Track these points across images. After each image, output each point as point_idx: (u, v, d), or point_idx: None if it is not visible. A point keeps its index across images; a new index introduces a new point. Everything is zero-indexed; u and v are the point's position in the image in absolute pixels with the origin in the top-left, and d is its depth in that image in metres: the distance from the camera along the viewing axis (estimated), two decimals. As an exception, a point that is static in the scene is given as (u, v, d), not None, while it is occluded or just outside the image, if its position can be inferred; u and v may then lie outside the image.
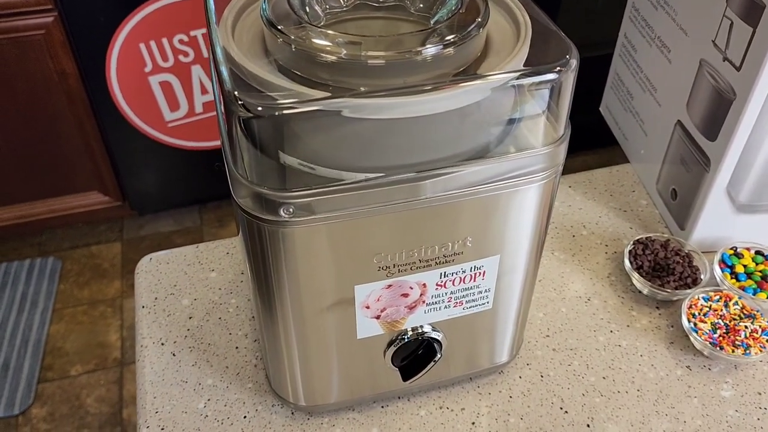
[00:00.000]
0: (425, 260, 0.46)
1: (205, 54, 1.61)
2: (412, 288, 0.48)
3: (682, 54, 0.68)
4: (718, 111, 0.62)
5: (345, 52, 0.39)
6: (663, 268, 0.66)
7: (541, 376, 0.61)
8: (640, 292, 0.67)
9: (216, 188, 1.92)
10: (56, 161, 1.70)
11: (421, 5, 0.46)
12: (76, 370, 1.57)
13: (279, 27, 0.41)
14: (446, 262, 0.47)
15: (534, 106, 0.43)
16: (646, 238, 0.68)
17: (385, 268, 0.46)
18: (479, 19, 0.42)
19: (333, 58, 0.39)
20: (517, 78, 0.40)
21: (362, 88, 0.39)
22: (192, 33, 1.57)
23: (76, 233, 1.91)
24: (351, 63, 0.39)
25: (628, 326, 0.64)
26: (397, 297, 0.48)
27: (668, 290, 0.64)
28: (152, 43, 1.56)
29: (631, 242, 0.68)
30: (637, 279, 0.66)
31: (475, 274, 0.49)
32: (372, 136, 0.40)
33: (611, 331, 0.64)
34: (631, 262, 0.66)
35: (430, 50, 0.40)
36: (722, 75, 0.61)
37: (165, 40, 1.56)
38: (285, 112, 0.38)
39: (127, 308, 1.71)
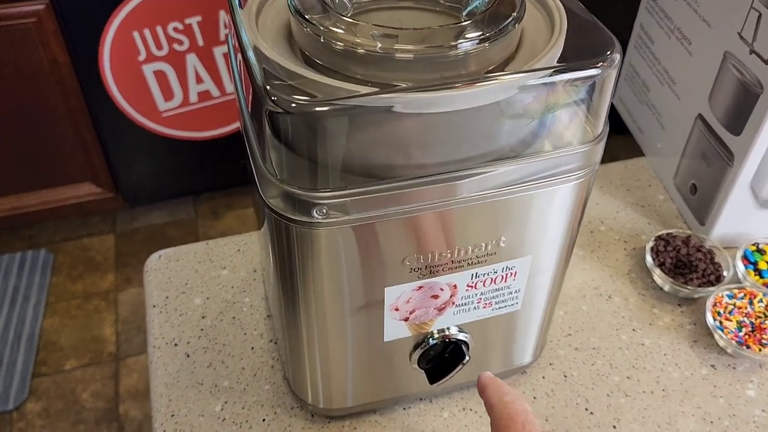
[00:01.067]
0: (458, 261, 0.45)
1: (200, 42, 1.58)
2: (442, 289, 0.46)
3: (704, 46, 0.67)
4: (744, 105, 0.61)
5: (380, 45, 0.38)
6: (685, 264, 0.65)
7: (565, 377, 0.59)
8: (661, 289, 0.66)
9: (210, 180, 1.89)
10: (48, 152, 1.66)
11: (451, -5, 0.44)
12: (70, 365, 1.54)
13: (308, 17, 0.39)
14: (478, 262, 0.45)
15: (575, 102, 0.41)
16: (667, 234, 0.67)
17: (416, 269, 0.44)
18: (515, 13, 0.41)
19: (367, 51, 0.37)
20: (566, 72, 0.39)
21: (402, 84, 0.38)
22: (187, 21, 1.54)
23: (68, 225, 1.88)
24: (387, 57, 0.38)
25: (650, 324, 0.63)
26: (427, 299, 0.46)
27: (691, 287, 0.63)
28: (146, 32, 1.52)
29: (652, 239, 0.67)
30: (658, 276, 0.64)
31: (507, 274, 0.47)
32: (411, 133, 0.39)
33: (633, 330, 0.63)
34: (653, 259, 0.65)
35: (468, 45, 0.38)
36: (748, 68, 0.60)
37: (159, 29, 1.53)
38: (320, 108, 0.36)
39: (121, 302, 1.68)
